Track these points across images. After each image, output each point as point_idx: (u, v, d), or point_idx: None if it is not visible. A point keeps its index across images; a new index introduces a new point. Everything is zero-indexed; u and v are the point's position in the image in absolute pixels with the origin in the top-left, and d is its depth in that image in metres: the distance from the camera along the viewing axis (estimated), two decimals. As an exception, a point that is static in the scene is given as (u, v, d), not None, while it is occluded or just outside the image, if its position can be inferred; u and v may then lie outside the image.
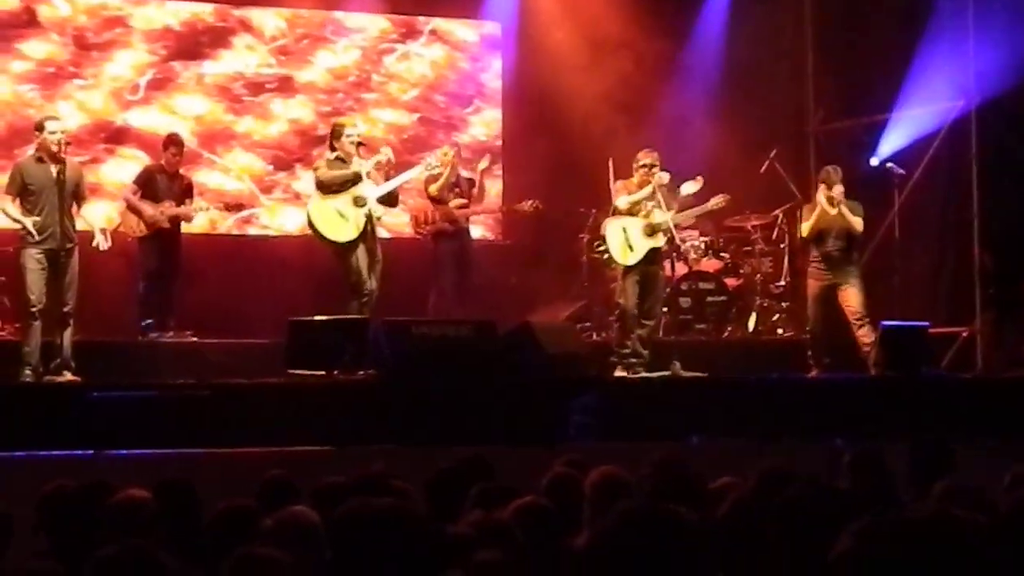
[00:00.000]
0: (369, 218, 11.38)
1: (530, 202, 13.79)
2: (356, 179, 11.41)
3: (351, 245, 11.35)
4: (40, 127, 10.86)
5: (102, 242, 10.96)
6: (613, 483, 5.09)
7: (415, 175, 12.46)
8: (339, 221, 11.36)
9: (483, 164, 13.58)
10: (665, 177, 11.96)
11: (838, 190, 12.33)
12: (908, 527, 2.66)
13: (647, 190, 11.88)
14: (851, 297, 12.35)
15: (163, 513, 5.08)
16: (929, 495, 5.00)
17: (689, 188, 12.22)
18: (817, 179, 12.95)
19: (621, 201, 11.94)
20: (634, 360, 11.86)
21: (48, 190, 10.61)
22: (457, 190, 13.33)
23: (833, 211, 12.36)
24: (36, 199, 10.64)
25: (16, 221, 10.68)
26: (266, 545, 4.15)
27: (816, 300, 12.55)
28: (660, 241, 11.98)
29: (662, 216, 11.85)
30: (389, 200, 11.69)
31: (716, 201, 12.44)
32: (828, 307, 12.51)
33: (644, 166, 11.98)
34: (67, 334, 10.65)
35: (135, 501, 5.02)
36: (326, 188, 11.46)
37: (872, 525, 2.68)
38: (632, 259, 11.90)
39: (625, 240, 11.89)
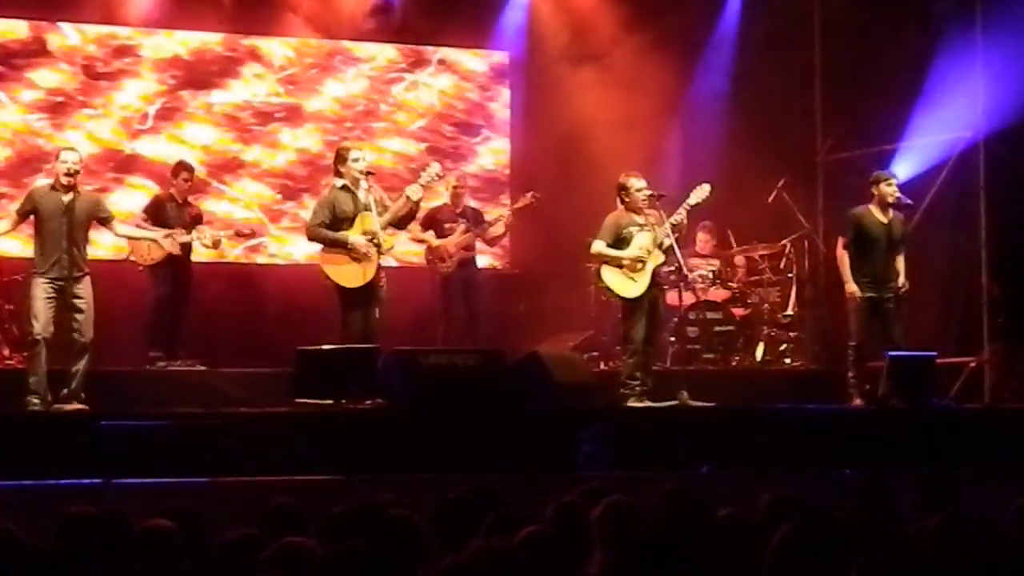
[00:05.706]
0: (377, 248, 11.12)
1: (529, 194, 13.59)
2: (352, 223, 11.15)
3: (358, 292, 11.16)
4: (55, 156, 11.09)
5: (168, 244, 11.89)
6: (624, 512, 5.09)
7: (413, 194, 11.60)
8: (351, 264, 11.15)
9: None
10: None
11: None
12: (917, 558, 2.67)
13: (636, 246, 11.64)
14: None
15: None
16: (935, 525, 4.99)
17: (697, 196, 11.77)
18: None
19: (598, 246, 11.70)
20: (643, 389, 11.70)
21: (56, 219, 10.66)
22: (463, 219, 13.33)
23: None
24: (43, 226, 10.72)
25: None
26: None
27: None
28: (659, 258, 11.66)
29: (652, 237, 11.64)
30: (400, 223, 11.46)
31: (698, 193, 11.79)
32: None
33: (639, 190, 11.65)
34: (81, 365, 10.60)
35: (162, 531, 5.01)
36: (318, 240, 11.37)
37: (882, 556, 2.69)
38: (638, 290, 11.62)
39: (624, 274, 11.68)
